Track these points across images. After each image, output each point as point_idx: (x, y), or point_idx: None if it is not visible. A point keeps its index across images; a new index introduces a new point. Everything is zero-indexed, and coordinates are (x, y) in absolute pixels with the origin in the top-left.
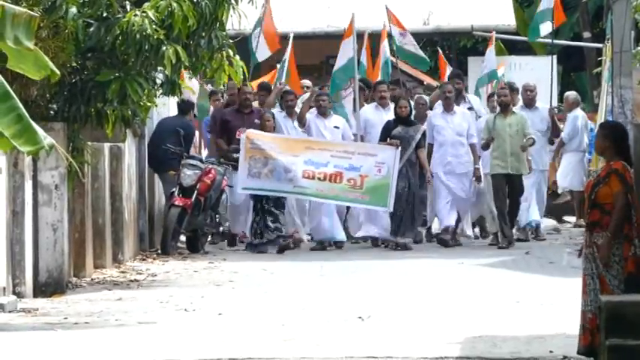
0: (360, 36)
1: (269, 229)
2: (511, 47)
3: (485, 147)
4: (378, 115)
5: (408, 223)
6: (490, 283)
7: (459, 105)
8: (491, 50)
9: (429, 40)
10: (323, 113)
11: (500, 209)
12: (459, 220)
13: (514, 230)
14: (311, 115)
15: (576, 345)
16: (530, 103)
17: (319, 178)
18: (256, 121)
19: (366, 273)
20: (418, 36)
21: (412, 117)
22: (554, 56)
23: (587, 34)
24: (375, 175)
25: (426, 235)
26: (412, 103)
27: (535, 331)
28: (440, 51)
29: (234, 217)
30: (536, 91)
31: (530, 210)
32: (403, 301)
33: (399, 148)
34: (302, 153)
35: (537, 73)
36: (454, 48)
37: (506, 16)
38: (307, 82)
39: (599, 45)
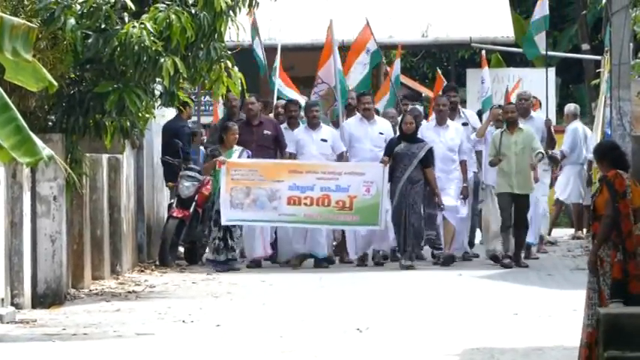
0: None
1: (227, 247)
2: (509, 59)
3: (493, 164)
4: (362, 128)
5: (412, 243)
6: (488, 295)
7: (453, 119)
8: (486, 70)
9: (427, 51)
10: (312, 125)
11: (505, 229)
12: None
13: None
14: (299, 128)
15: (573, 357)
16: (524, 113)
17: (306, 204)
18: (267, 132)
19: (364, 284)
20: (417, 48)
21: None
22: (553, 68)
23: (585, 46)
24: (363, 195)
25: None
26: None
27: (533, 343)
28: (439, 71)
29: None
30: (532, 101)
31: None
32: (402, 312)
33: (387, 165)
34: (286, 178)
35: (536, 85)
36: (452, 59)
37: (504, 29)
38: (253, 100)
39: (598, 57)
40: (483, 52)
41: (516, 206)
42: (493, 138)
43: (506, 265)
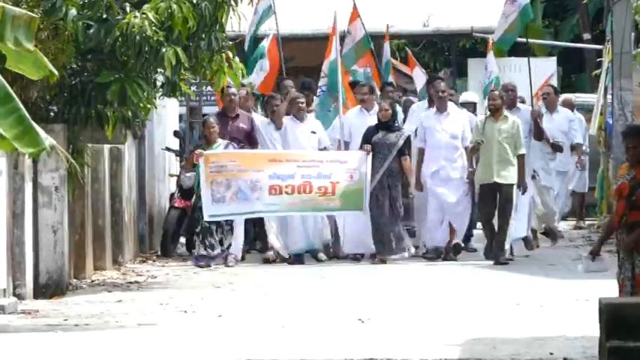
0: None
1: (215, 242)
2: (511, 49)
3: (473, 151)
4: (361, 119)
5: (393, 238)
6: (490, 285)
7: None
8: (490, 55)
9: (429, 41)
10: (299, 117)
11: (487, 223)
12: (469, 237)
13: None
14: (287, 119)
15: (575, 347)
16: (510, 104)
17: (287, 192)
18: (242, 125)
19: (365, 275)
20: (418, 37)
21: (398, 120)
22: (554, 58)
23: (587, 36)
24: (346, 181)
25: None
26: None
27: (535, 333)
28: (410, 52)
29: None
30: (517, 92)
31: (517, 225)
32: (403, 303)
33: (370, 153)
34: (266, 167)
35: (537, 74)
36: (454, 49)
37: None
38: (289, 83)
39: (600, 47)
40: (490, 38)
41: (500, 197)
42: (477, 124)
43: (504, 262)
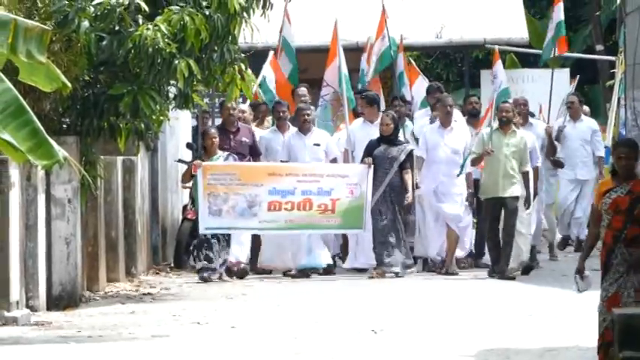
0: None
1: (214, 254)
2: (524, 60)
3: (476, 162)
4: (364, 131)
5: (393, 252)
6: (503, 296)
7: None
8: (499, 64)
9: (441, 53)
10: (303, 130)
11: (492, 238)
12: (481, 253)
13: None
14: (291, 132)
15: (588, 358)
16: (523, 120)
17: (287, 209)
18: (244, 139)
19: (378, 286)
20: (431, 49)
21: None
22: (567, 69)
23: (599, 47)
24: (347, 197)
25: (423, 266)
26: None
27: (548, 344)
28: (412, 61)
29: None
30: (529, 107)
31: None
32: (416, 313)
33: (372, 167)
34: (265, 182)
35: (551, 85)
36: (466, 60)
37: (518, 29)
38: (304, 91)
39: (612, 58)
40: (496, 47)
41: (505, 211)
42: (482, 135)
43: (511, 277)
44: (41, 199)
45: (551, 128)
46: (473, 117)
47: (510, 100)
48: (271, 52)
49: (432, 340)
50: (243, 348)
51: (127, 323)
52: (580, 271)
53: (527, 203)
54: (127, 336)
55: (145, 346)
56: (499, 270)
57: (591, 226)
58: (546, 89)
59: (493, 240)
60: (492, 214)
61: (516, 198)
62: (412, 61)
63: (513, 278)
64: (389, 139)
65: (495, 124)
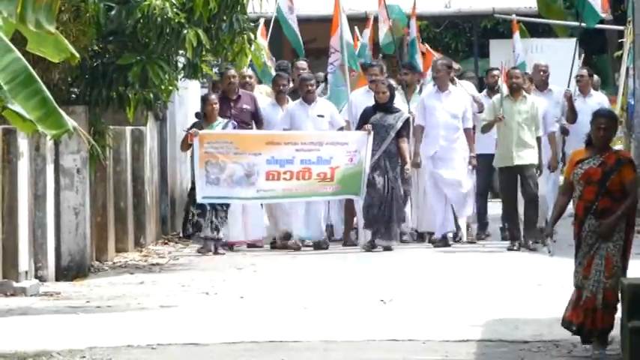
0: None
1: (213, 225)
2: (532, 29)
3: (487, 129)
4: (368, 100)
5: (387, 222)
6: (511, 266)
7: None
8: (517, 36)
9: (450, 22)
10: (307, 100)
11: (508, 208)
12: (485, 224)
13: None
14: (295, 102)
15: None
16: (542, 86)
17: (285, 178)
18: (245, 107)
19: (387, 257)
20: (440, 19)
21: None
22: (575, 39)
23: (608, 17)
24: (346, 165)
25: (415, 236)
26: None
27: (557, 313)
28: (427, 46)
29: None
30: (549, 72)
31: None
32: (425, 284)
33: (371, 133)
34: (263, 150)
35: (559, 55)
36: (475, 30)
37: None
38: (303, 64)
39: (621, 27)
40: (514, 17)
41: (522, 179)
42: (492, 102)
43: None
44: (50, 169)
45: (570, 92)
46: (493, 91)
47: (529, 71)
48: (262, 20)
49: (441, 310)
50: (252, 318)
51: (136, 293)
52: (550, 235)
53: (538, 169)
54: (135, 306)
55: (153, 316)
56: (524, 243)
57: (560, 195)
58: (555, 59)
59: (510, 212)
60: (508, 184)
61: (532, 165)
62: (429, 48)
63: (535, 249)
64: (385, 106)
65: (506, 91)
